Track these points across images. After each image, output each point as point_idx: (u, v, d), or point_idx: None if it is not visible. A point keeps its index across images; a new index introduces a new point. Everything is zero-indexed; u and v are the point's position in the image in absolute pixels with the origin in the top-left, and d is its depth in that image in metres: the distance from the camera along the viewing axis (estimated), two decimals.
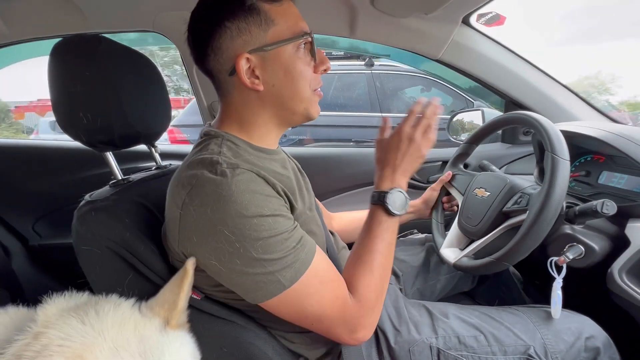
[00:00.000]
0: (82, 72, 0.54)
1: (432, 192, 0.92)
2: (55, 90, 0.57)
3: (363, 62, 3.10)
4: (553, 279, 0.65)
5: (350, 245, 0.97)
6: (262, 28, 0.50)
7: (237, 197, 0.44)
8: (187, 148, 1.33)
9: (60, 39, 0.57)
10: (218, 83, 0.56)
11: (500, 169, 1.18)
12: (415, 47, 1.00)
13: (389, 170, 0.57)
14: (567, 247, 0.66)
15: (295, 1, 0.54)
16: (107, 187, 0.62)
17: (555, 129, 0.64)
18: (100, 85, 0.55)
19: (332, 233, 0.76)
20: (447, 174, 0.90)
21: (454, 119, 1.39)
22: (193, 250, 0.47)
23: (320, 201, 1.29)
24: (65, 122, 0.57)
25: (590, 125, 0.80)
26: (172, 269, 0.54)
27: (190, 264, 0.46)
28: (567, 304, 0.66)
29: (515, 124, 0.78)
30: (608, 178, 0.78)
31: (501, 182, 0.75)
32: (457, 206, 0.86)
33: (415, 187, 1.22)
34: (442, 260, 0.82)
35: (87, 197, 0.59)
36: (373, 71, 3.21)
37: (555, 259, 0.65)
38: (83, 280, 0.53)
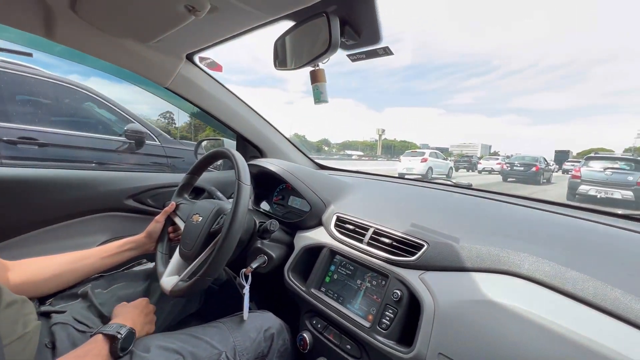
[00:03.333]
0: None
1: (155, 224, 0.89)
2: None
3: None
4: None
5: (39, 298, 0.75)
6: None
7: None
8: None
9: None
10: None
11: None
12: (141, 71, 0.97)
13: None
14: (257, 258, 0.82)
15: None
16: None
17: (243, 162, 0.77)
18: None
19: None
20: (171, 204, 0.91)
21: (201, 145, 1.47)
22: None
23: (11, 238, 0.95)
24: None
25: (277, 163, 1.05)
26: None
27: None
28: (263, 305, 0.82)
29: (220, 158, 0.89)
30: (292, 200, 1.06)
31: (211, 207, 0.82)
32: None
33: (151, 213, 1.15)
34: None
35: None
36: None
37: (244, 270, 0.79)
38: None
